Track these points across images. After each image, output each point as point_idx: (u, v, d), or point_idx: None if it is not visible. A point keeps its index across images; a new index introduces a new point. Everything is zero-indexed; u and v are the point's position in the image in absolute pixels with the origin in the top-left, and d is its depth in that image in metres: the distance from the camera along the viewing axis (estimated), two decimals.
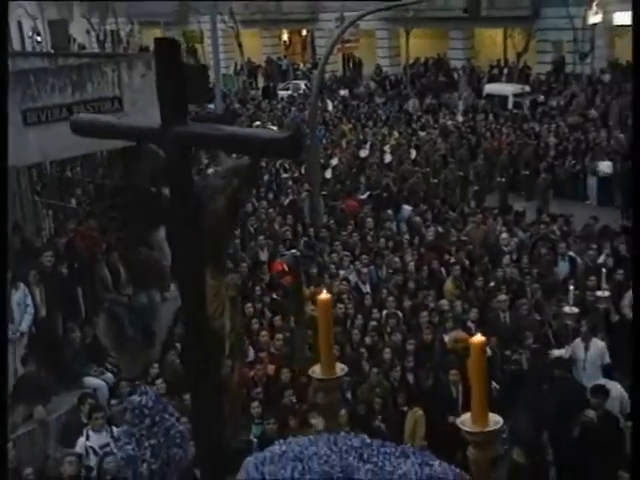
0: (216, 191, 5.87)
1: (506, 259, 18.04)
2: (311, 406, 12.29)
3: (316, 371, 6.58)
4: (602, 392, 12.13)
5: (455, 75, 45.75)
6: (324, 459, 5.77)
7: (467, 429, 5.78)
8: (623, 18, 41.16)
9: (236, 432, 6.33)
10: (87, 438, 11.54)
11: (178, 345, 14.28)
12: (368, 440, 6.20)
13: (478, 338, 5.92)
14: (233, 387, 6.00)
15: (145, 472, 6.00)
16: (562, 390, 12.74)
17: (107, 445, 11.29)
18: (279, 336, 14.49)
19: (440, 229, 20.61)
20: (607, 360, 13.82)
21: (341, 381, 6.86)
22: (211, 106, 34.97)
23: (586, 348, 13.82)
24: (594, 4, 40.76)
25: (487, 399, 5.92)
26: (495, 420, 5.84)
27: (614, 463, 11.14)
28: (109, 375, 13.97)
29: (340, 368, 6.63)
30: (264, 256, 18.88)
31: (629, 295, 16.24)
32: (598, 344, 13.98)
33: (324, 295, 6.60)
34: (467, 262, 18.21)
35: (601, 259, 17.66)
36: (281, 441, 6.22)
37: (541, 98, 37.64)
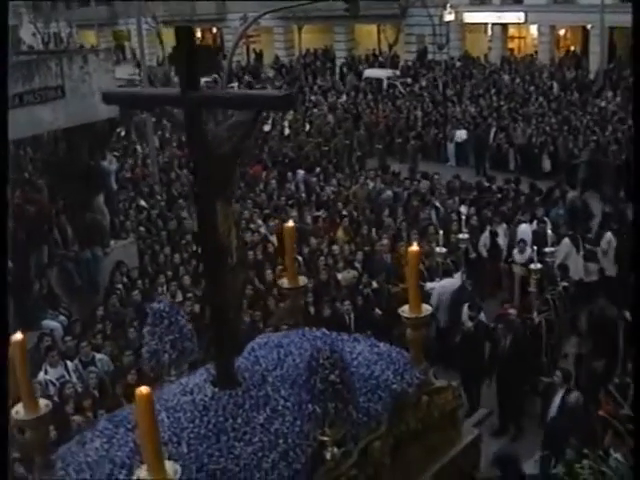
0: (222, 140, 5.89)
1: (386, 211, 18.06)
2: None
3: (284, 283, 7.19)
4: (476, 308, 12.84)
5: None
6: (298, 345, 6.52)
7: (406, 315, 6.42)
8: (471, 17, 41.71)
9: (239, 322, 6.69)
10: (45, 372, 11.19)
11: (118, 292, 14.07)
12: (327, 332, 6.99)
13: (414, 248, 6.54)
14: (237, 288, 6.26)
15: (166, 361, 6.40)
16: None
17: (62, 377, 11.01)
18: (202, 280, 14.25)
19: (333, 188, 20.52)
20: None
21: (302, 290, 7.49)
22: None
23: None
24: (448, 6, 41.06)
25: (419, 294, 6.60)
26: (426, 308, 6.52)
27: (485, 359, 12.48)
28: (62, 318, 13.65)
29: (302, 280, 7.29)
30: (186, 214, 18.54)
31: (483, 237, 16.47)
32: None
33: (290, 224, 7.25)
34: (355, 214, 18.15)
35: (461, 208, 17.80)
36: (262, 335, 7.07)
37: (409, 80, 37.69)
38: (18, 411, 5.51)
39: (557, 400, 10.85)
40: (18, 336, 5.41)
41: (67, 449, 5.89)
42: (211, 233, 5.78)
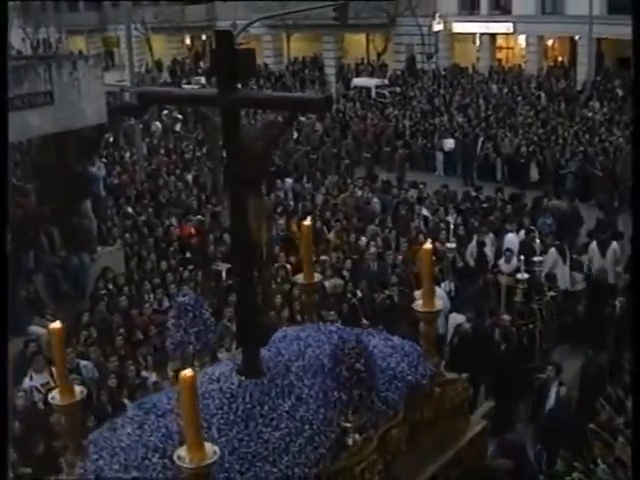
0: (256, 139, 6.15)
1: (375, 219, 18.06)
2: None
3: (300, 278, 7.29)
4: (473, 311, 13.19)
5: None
6: (316, 338, 6.79)
7: (420, 310, 6.54)
8: (460, 27, 41.94)
9: (266, 314, 6.96)
10: (30, 378, 11.14)
11: (105, 298, 14.01)
12: (341, 326, 7.32)
13: (427, 246, 6.71)
14: (266, 281, 6.58)
15: (191, 352, 6.58)
16: None
17: (48, 383, 10.94)
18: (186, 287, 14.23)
19: (321, 196, 20.53)
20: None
21: (318, 285, 7.64)
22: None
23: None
24: (437, 16, 41.32)
25: (433, 288, 6.67)
26: (439, 303, 6.65)
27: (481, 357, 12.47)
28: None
29: (317, 276, 7.39)
30: (174, 222, 18.50)
31: (471, 246, 16.50)
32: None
33: (307, 222, 7.29)
34: (345, 222, 18.15)
35: (449, 218, 17.83)
36: (280, 330, 7.23)
37: (397, 89, 37.80)
38: (54, 397, 5.70)
39: (553, 393, 11.22)
40: (57, 324, 5.57)
41: (99, 434, 6.09)
42: (242, 227, 6.01)
